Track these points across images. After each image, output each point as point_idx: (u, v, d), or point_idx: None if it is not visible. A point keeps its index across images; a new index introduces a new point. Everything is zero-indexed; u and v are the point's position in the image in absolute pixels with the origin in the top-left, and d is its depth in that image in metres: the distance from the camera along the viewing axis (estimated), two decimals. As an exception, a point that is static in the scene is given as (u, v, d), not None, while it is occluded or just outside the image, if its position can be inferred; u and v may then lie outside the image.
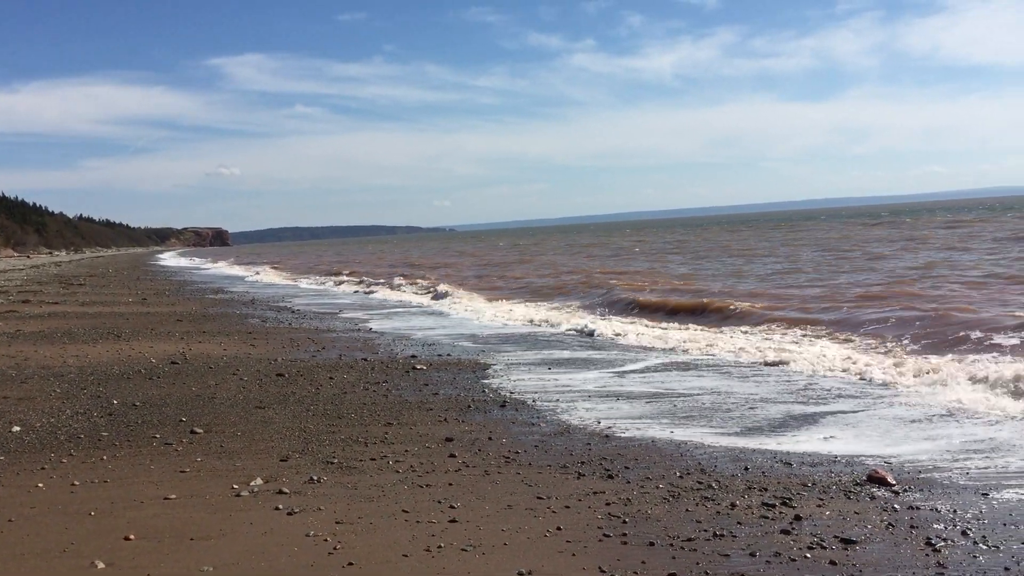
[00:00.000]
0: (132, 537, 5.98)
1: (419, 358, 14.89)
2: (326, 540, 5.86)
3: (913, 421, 9.29)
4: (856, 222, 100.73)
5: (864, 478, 7.11)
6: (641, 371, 13.20)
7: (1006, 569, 5.18)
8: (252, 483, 7.26)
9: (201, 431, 9.32)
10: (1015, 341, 13.47)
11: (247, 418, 10.04)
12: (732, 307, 20.98)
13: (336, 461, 7.99)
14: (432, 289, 33.68)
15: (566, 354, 15.30)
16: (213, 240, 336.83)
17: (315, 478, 7.39)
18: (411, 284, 38.20)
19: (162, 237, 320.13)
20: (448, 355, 15.32)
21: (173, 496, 6.96)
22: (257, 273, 59.44)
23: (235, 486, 7.20)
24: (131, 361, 14.88)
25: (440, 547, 5.71)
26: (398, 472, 7.60)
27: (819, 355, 13.67)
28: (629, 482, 7.20)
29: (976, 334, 14.27)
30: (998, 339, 13.75)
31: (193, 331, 20.08)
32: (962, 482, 7.01)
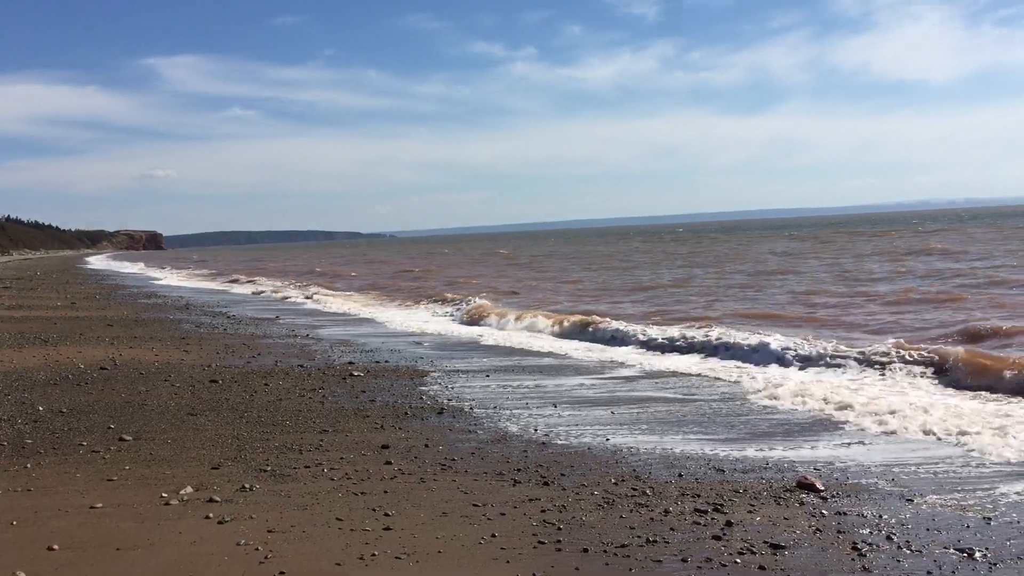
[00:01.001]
0: (56, 547, 5.82)
1: (356, 365, 14.77)
2: (257, 549, 5.77)
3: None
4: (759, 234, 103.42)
5: (794, 484, 7.25)
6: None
7: (928, 573, 5.33)
8: (182, 491, 7.12)
9: (130, 438, 9.12)
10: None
11: (178, 425, 9.85)
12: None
13: (269, 469, 7.88)
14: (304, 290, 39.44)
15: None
16: (147, 243, 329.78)
17: (247, 486, 7.28)
18: (294, 287, 42.45)
19: (94, 240, 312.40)
20: (386, 362, 15.22)
21: (99, 505, 6.79)
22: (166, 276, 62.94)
23: (164, 494, 7.05)
24: (58, 367, 14.49)
25: (374, 555, 5.67)
26: (333, 480, 7.53)
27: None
28: (565, 489, 7.24)
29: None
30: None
31: (124, 336, 19.64)
32: (888, 488, 7.19)
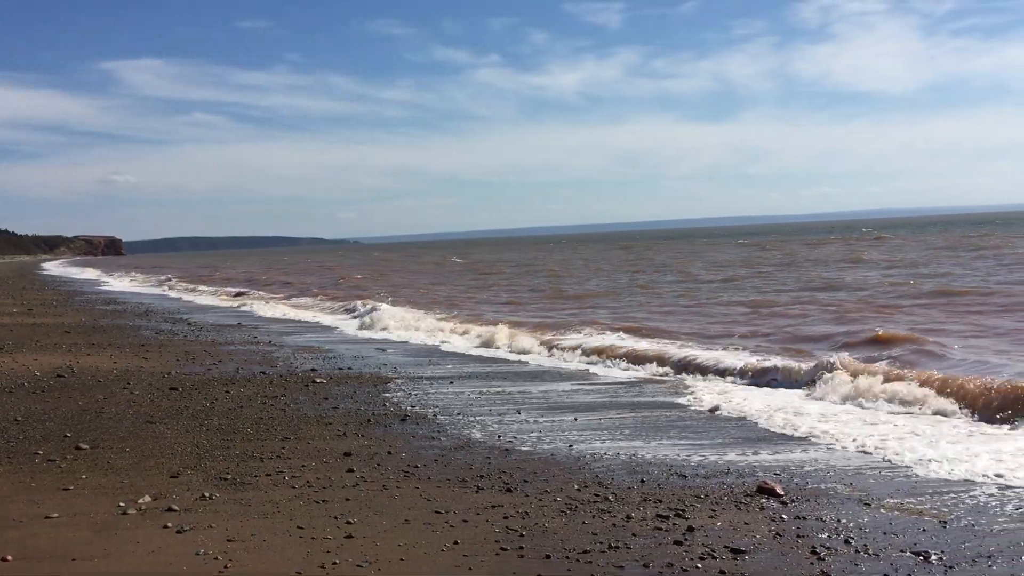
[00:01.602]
0: (10, 558, 5.71)
1: (319, 372, 14.67)
2: (216, 558, 5.70)
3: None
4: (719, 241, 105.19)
5: (754, 489, 7.32)
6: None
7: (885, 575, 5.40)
8: (140, 500, 7.02)
9: (87, 447, 8.97)
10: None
11: (137, 433, 9.71)
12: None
13: (230, 477, 7.80)
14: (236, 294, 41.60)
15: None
16: (106, 249, 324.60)
17: (207, 495, 7.19)
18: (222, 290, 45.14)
19: (51, 245, 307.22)
20: (349, 368, 15.14)
21: (55, 515, 6.67)
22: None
23: (121, 504, 6.94)
24: (14, 374, 14.22)
25: (335, 563, 5.63)
26: (294, 488, 7.47)
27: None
28: (528, 495, 7.24)
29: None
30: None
31: (82, 343, 19.33)
32: (846, 492, 7.27)
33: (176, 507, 6.84)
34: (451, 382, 13.57)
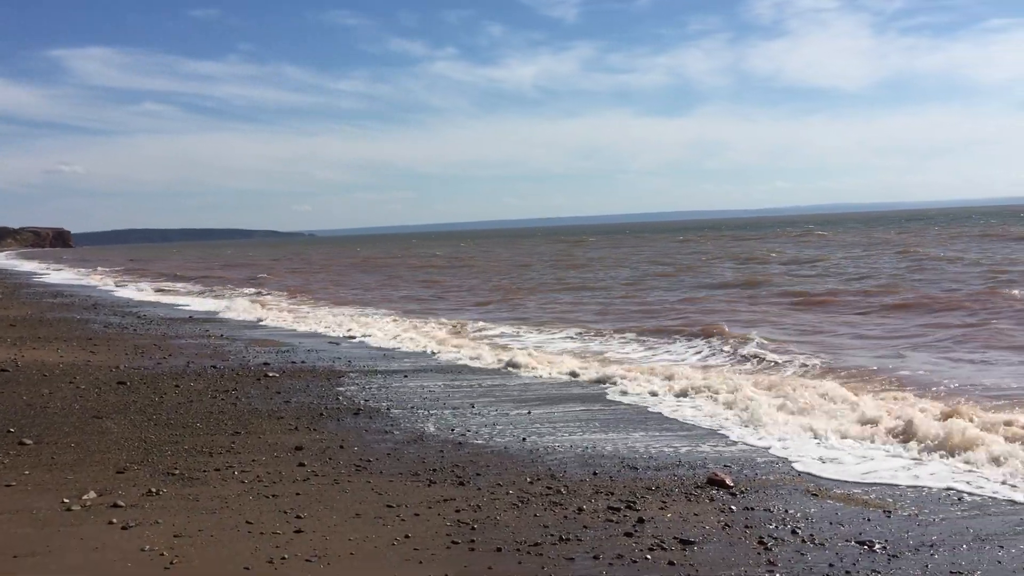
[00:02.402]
0: (-53, 557, 5.58)
1: (271, 366, 14.51)
2: (162, 555, 5.62)
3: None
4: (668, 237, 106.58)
5: (705, 480, 7.39)
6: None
7: (830, 565, 5.48)
8: (85, 497, 6.89)
9: (31, 442, 8.78)
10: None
11: (82, 428, 9.53)
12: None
13: (178, 472, 7.69)
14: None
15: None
16: (54, 241, 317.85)
17: (154, 490, 7.08)
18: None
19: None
20: (303, 362, 15.00)
21: (-4, 512, 6.53)
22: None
23: (66, 500, 6.81)
24: (-45, 368, 13.88)
25: (284, 558, 5.58)
26: (243, 483, 7.38)
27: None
28: (480, 488, 7.23)
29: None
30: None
31: (27, 336, 18.92)
32: (795, 484, 7.37)
33: (122, 503, 6.73)
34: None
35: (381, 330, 20.39)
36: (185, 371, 13.88)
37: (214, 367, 14.35)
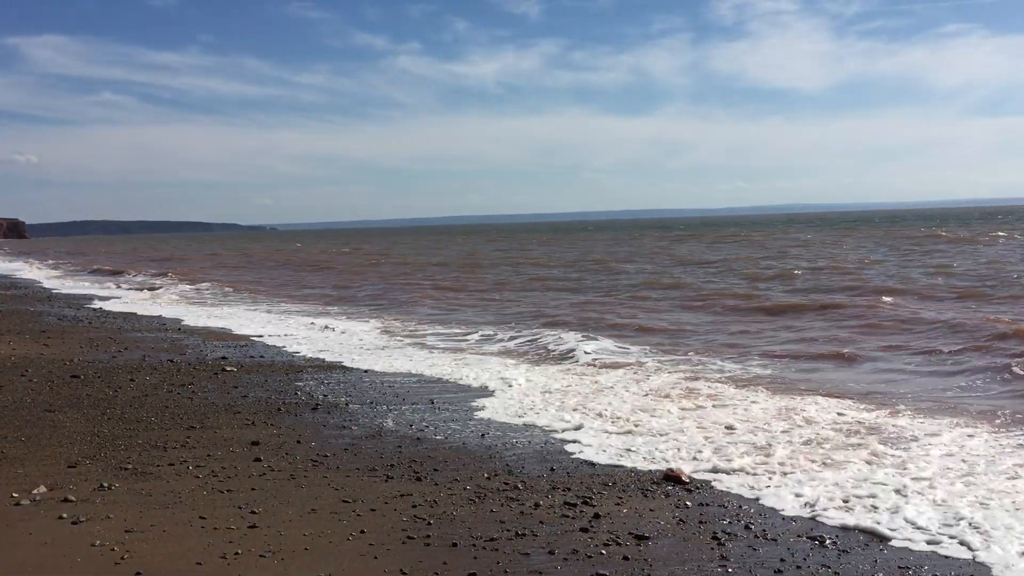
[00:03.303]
0: None
1: (229, 360, 14.37)
2: (113, 550, 5.55)
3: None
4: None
5: (661, 476, 7.45)
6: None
7: (782, 560, 5.55)
8: (34, 491, 6.78)
9: (-20, 436, 8.63)
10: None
11: (34, 422, 9.37)
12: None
13: (130, 467, 7.59)
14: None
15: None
16: (8, 232, 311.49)
17: (106, 485, 6.99)
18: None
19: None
20: (261, 357, 14.88)
21: (-58, 507, 6.41)
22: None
23: (15, 495, 6.70)
24: (-97, 361, 13.59)
25: (237, 554, 5.53)
26: (198, 478, 7.31)
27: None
28: (437, 484, 7.23)
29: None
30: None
31: (-22, 329, 18.58)
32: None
33: (73, 498, 6.63)
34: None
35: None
36: (141, 365, 13.71)
37: (171, 361, 14.18)
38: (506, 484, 7.23)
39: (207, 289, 33.08)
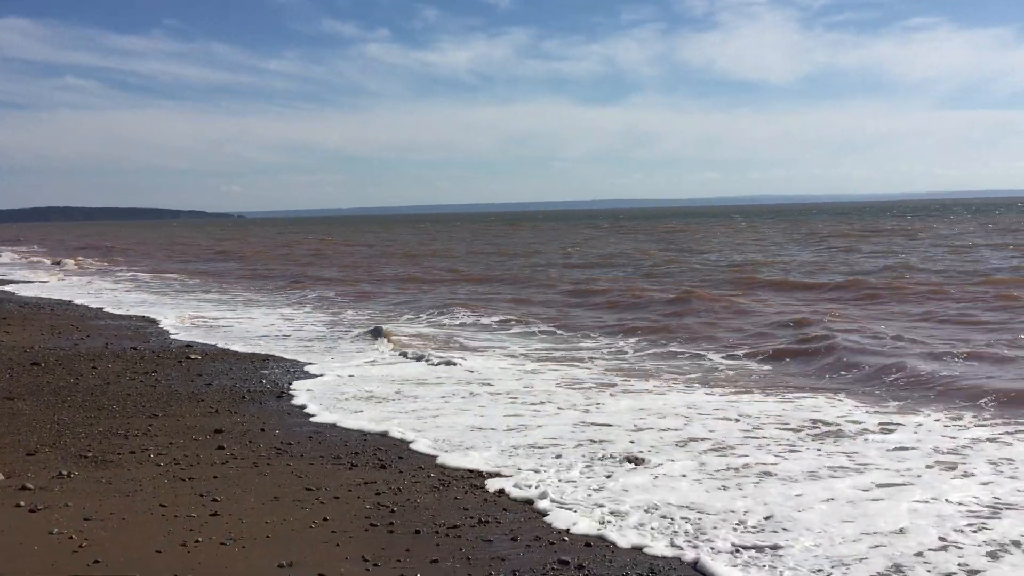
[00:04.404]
0: None
1: (194, 347, 14.24)
2: (71, 538, 5.50)
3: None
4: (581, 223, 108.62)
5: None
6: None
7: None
8: (-9, 479, 6.70)
9: (-64, 424, 8.50)
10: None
11: (-8, 410, 9.24)
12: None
13: (91, 455, 7.51)
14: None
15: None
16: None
17: (65, 473, 6.91)
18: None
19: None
20: (227, 345, 14.75)
21: None
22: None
23: (-29, 483, 6.61)
24: None
25: (198, 542, 5.49)
26: (159, 466, 7.24)
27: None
28: (401, 472, 7.21)
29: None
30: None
31: (-63, 316, 18.27)
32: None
33: (31, 485, 6.55)
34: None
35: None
36: (103, 352, 13.54)
37: (134, 348, 14.02)
38: (470, 472, 7.23)
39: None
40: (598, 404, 9.77)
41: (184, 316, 18.99)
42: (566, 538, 5.70)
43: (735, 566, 5.19)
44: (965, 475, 6.90)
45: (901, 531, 5.69)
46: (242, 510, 6.14)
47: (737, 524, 5.86)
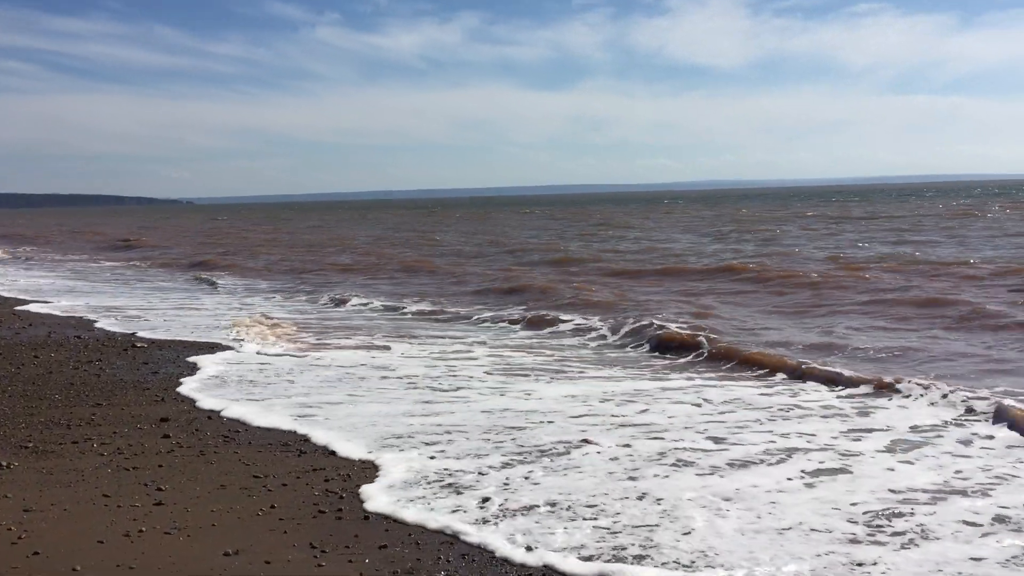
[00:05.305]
0: None
1: (139, 335, 14.00)
2: (10, 529, 5.37)
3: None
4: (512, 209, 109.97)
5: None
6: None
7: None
8: (-73, 472, 6.52)
9: None
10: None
11: (-72, 401, 9.00)
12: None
13: (31, 445, 7.34)
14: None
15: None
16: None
17: (4, 464, 6.74)
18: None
19: None
20: (171, 331, 14.51)
21: None
22: None
23: (-95, 476, 6.43)
24: None
25: (141, 531, 5.40)
26: (103, 455, 7.11)
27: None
28: (351, 458, 7.16)
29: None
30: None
31: None
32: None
33: (-32, 478, 6.39)
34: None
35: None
36: (46, 341, 13.25)
37: (78, 337, 13.74)
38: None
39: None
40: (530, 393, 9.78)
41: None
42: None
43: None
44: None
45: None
46: (187, 499, 6.05)
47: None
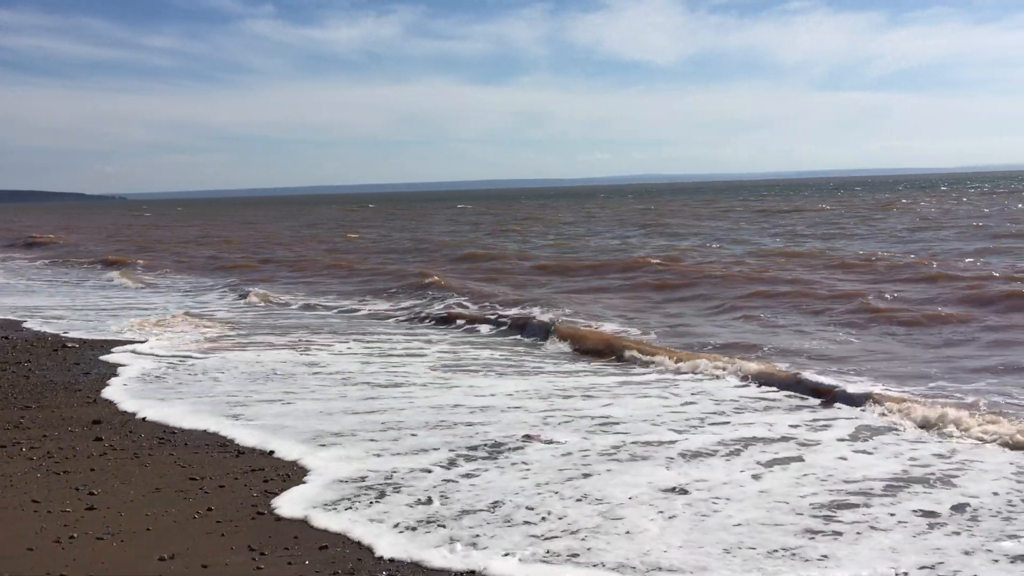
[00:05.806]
0: None
1: (70, 335, 13.64)
2: (-66, 538, 5.19)
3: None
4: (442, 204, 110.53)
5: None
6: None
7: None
8: None
9: None
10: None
11: None
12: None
13: (-44, 451, 7.11)
14: None
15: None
16: None
17: (-73, 470, 6.52)
18: None
19: None
20: (105, 331, 14.17)
21: None
22: None
23: None
24: None
25: (73, 537, 5.27)
26: (32, 460, 6.91)
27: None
28: (291, 458, 7.07)
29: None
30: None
31: None
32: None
33: None
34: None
35: None
36: (-29, 343, 12.84)
37: (5, 338, 13.34)
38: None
39: None
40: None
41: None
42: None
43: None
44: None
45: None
46: (121, 503, 5.91)
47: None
